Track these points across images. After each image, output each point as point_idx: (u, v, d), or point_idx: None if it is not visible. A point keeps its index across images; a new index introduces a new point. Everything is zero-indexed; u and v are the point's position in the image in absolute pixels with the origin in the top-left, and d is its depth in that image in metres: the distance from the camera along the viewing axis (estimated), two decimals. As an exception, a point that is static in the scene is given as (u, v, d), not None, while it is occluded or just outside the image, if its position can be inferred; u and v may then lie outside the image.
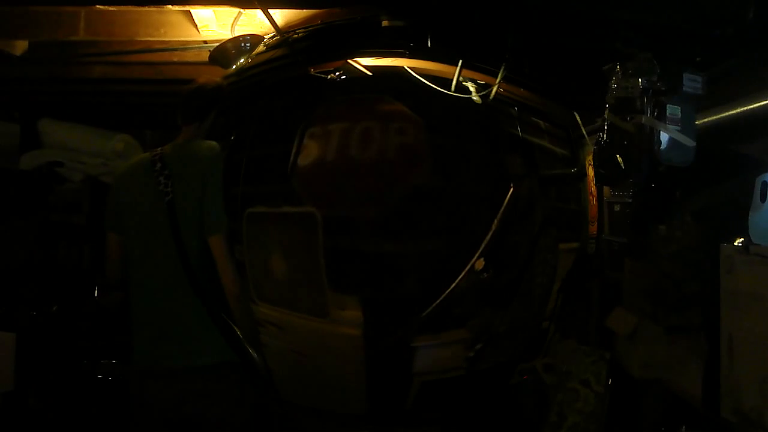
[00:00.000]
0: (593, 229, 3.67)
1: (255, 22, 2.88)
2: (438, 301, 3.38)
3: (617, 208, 3.16)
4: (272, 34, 2.91)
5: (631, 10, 1.97)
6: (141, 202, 2.13)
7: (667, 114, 2.03)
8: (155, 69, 3.34)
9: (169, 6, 2.58)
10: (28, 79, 3.60)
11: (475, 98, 3.42)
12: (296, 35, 2.96)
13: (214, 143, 2.20)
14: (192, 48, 3.09)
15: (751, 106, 2.05)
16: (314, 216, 3.40)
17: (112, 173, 3.17)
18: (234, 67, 2.98)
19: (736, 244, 1.95)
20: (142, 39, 2.94)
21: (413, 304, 3.44)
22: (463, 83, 3.38)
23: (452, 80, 3.33)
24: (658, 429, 2.53)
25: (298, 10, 2.79)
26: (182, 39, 2.96)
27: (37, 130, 4.20)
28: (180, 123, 2.25)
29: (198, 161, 2.12)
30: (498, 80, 3.28)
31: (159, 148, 2.22)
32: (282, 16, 2.81)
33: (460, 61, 3.23)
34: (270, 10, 2.61)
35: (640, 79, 2.01)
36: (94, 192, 3.94)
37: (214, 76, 2.35)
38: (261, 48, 2.98)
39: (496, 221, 3.40)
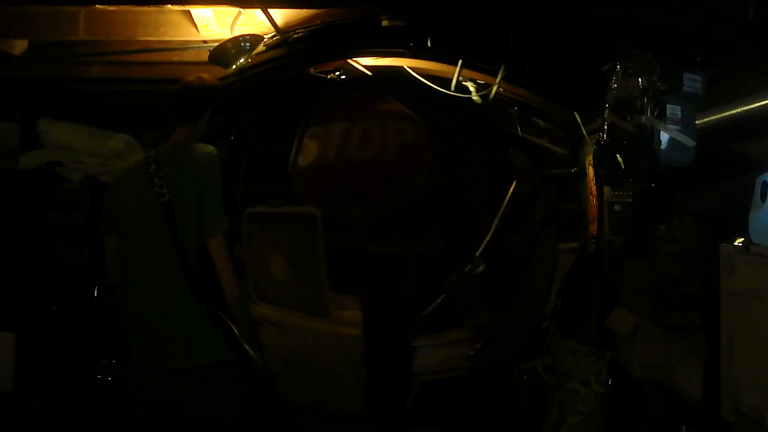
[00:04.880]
0: (593, 229, 3.67)
1: (255, 22, 2.88)
2: (438, 301, 3.38)
3: (617, 208, 3.15)
4: (272, 34, 2.91)
5: (631, 10, 1.97)
6: (137, 204, 2.13)
7: (667, 114, 2.03)
8: (155, 69, 3.34)
9: (169, 6, 2.58)
10: (28, 79, 3.60)
11: (475, 98, 3.42)
12: (296, 35, 2.96)
13: (210, 147, 2.19)
14: (192, 48, 3.08)
15: (751, 106, 2.05)
16: (314, 216, 3.41)
17: (112, 173, 3.17)
18: (234, 67, 2.98)
19: (736, 244, 1.95)
20: (142, 39, 2.94)
21: (413, 304, 3.44)
22: (463, 83, 3.38)
23: (452, 80, 3.33)
24: (658, 429, 2.53)
25: (298, 10, 2.78)
26: (182, 39, 2.96)
27: (37, 130, 4.20)
28: (171, 123, 2.24)
29: (194, 163, 2.12)
30: (498, 80, 3.28)
31: (152, 150, 2.22)
32: (282, 16, 2.81)
33: (460, 61, 3.23)
34: (270, 10, 2.61)
35: (640, 79, 2.01)
36: (94, 192, 3.93)
37: (203, 74, 2.32)
38: (261, 48, 2.98)
39: (495, 221, 3.40)
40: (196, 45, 3.03)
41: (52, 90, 3.95)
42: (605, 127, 2.15)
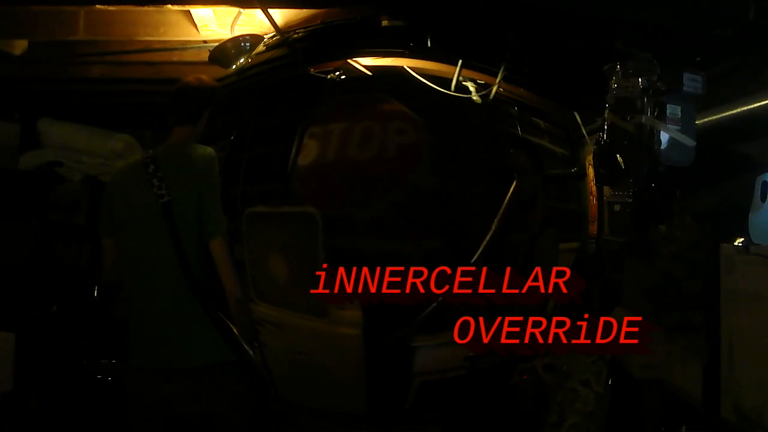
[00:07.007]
0: (593, 229, 3.67)
1: (255, 22, 2.88)
2: (438, 301, 3.38)
3: (617, 208, 3.16)
4: (272, 34, 2.92)
5: (631, 10, 1.97)
6: (136, 205, 2.13)
7: (667, 114, 2.03)
8: (155, 69, 3.34)
9: (169, 6, 2.59)
10: (28, 79, 3.61)
11: (475, 98, 3.42)
12: (296, 35, 2.96)
13: (208, 148, 2.19)
14: (192, 48, 3.09)
15: (751, 106, 2.05)
16: (314, 216, 3.41)
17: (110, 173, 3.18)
18: (234, 67, 2.98)
19: (736, 244, 1.95)
20: (142, 39, 2.95)
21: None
22: (463, 83, 3.38)
23: (452, 80, 3.33)
24: (658, 429, 2.53)
25: (298, 10, 2.79)
26: (182, 39, 2.96)
27: (37, 130, 4.20)
28: (170, 123, 2.24)
29: (193, 164, 2.11)
30: (498, 80, 3.28)
31: (150, 150, 2.21)
32: (282, 16, 2.81)
33: (460, 61, 3.23)
34: (270, 10, 2.62)
35: (640, 79, 2.01)
36: (94, 192, 3.94)
37: (203, 74, 2.32)
38: (261, 48, 2.98)
39: (495, 221, 3.40)
40: (196, 45, 3.03)
41: (52, 90, 3.96)
42: (605, 127, 2.15)
